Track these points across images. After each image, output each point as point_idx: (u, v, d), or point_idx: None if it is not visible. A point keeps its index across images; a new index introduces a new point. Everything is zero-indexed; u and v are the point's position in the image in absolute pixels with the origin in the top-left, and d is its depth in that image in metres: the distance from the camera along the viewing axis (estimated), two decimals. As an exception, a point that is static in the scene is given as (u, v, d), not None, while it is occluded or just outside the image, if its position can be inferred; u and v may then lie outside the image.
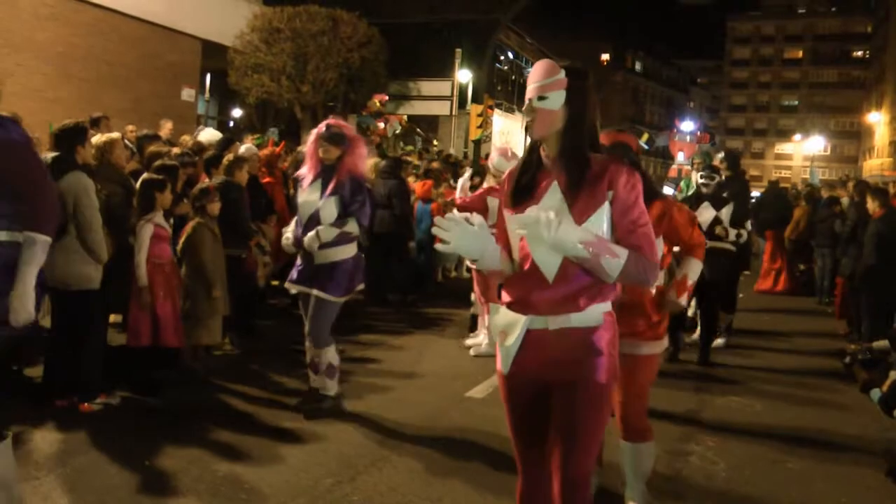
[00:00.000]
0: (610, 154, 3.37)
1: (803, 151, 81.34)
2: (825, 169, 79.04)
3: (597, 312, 3.10)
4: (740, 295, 14.06)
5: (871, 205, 9.50)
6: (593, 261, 2.94)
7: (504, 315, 3.22)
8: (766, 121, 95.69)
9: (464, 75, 31.43)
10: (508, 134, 38.91)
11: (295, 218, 6.32)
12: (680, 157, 19.15)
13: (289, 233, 6.27)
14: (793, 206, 16.04)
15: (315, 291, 6.04)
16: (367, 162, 6.64)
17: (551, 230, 2.86)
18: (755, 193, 28.05)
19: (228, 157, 8.39)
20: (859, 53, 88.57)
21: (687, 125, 25.95)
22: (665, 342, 4.67)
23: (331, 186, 5.97)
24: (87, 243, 5.87)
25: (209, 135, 11.96)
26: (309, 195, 6.06)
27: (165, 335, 6.64)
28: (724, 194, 9.09)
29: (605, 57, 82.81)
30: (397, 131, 19.11)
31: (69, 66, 17.43)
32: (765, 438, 6.38)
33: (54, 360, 6.15)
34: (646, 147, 32.20)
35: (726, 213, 8.83)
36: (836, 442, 6.44)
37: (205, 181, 8.03)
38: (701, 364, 8.77)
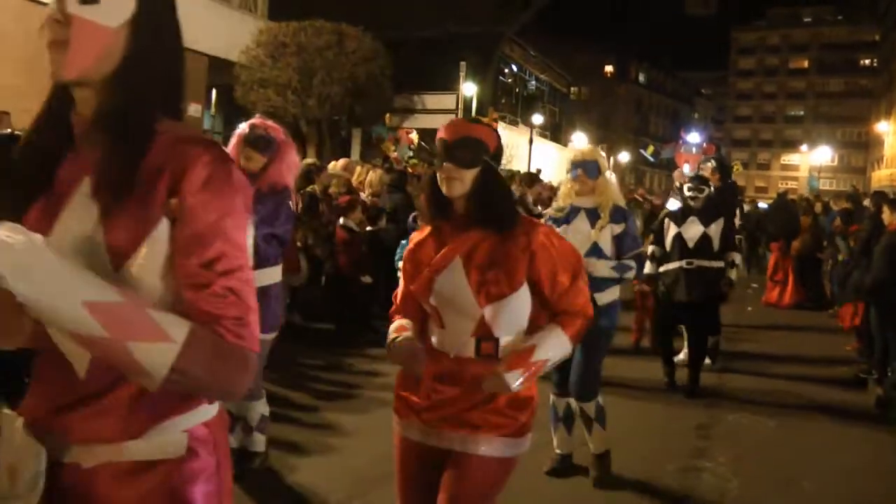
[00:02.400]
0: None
1: (810, 162, 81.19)
2: (832, 180, 78.89)
3: (175, 433, 1.66)
4: (748, 308, 14.05)
5: (889, 217, 9.22)
6: (112, 344, 1.43)
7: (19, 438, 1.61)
8: (772, 132, 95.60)
9: (468, 88, 31.51)
10: (512, 147, 38.90)
11: None
12: (685, 168, 19.03)
13: None
14: (799, 217, 15.90)
15: None
16: (296, 172, 5.42)
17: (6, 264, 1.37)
18: (761, 205, 28.10)
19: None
20: (867, 62, 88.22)
21: (693, 137, 25.94)
22: (527, 441, 3.02)
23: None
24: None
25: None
26: None
27: None
28: (716, 208, 8.15)
29: (609, 69, 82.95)
30: (410, 156, 19.05)
31: (77, 83, 17.50)
32: (778, 456, 6.32)
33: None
34: (651, 159, 32.16)
35: (716, 229, 7.95)
36: (851, 461, 6.38)
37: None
38: (689, 395, 7.95)
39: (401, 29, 29.71)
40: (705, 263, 7.88)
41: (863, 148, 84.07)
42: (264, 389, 5.18)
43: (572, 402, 5.48)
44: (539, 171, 25.16)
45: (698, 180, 8.24)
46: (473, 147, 2.92)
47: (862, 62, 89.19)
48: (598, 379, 5.47)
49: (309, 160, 11.85)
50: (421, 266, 3.02)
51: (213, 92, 26.08)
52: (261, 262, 4.85)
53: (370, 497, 4.98)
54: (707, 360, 8.89)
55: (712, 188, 8.44)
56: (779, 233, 15.58)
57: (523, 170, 25.61)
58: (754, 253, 21.24)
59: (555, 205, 5.71)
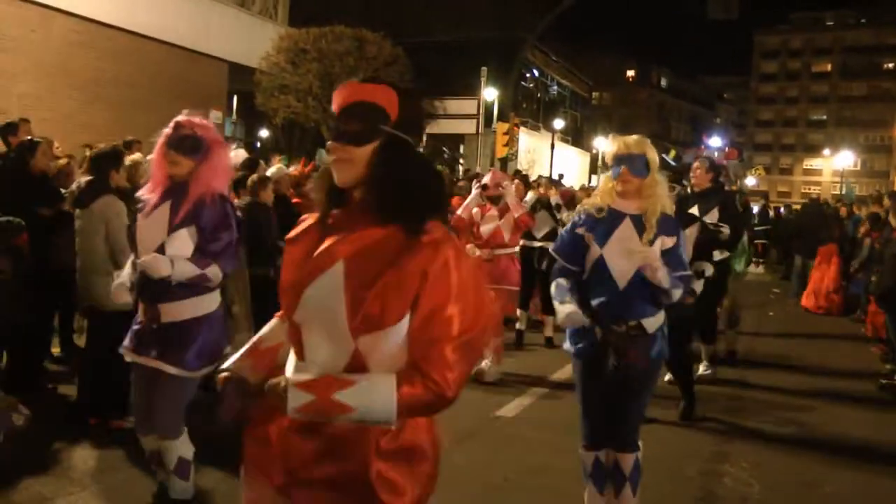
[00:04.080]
0: (356, 123, 2.14)
1: (833, 167, 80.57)
2: (855, 184, 78.22)
3: None
4: (770, 313, 13.93)
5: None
6: None
7: None
8: (795, 136, 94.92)
9: (489, 93, 31.52)
10: (534, 152, 38.95)
11: (131, 258, 4.41)
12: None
13: (124, 275, 4.37)
14: (828, 224, 15.71)
15: (161, 365, 4.24)
16: (230, 173, 4.75)
17: None
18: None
19: (253, 177, 8.44)
20: (890, 66, 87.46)
21: (714, 141, 25.60)
22: None
23: (181, 213, 4.21)
24: (120, 265, 5.93)
25: (240, 156, 12.02)
26: (151, 224, 4.24)
27: None
28: (693, 209, 7.15)
29: (631, 73, 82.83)
30: None
31: (99, 91, 17.68)
32: (799, 461, 6.28)
33: (88, 379, 6.23)
34: (672, 163, 32.10)
35: (688, 234, 6.47)
36: (873, 465, 6.33)
37: (232, 201, 8.11)
38: (683, 418, 7.08)
39: (421, 34, 29.79)
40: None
41: (886, 152, 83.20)
42: (185, 429, 4.40)
43: (602, 455, 4.53)
44: (561, 175, 25.17)
45: (672, 181, 6.98)
46: (363, 114, 2.19)
47: (885, 66, 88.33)
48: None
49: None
50: (296, 263, 2.30)
51: (234, 98, 26.23)
52: (198, 287, 4.28)
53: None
54: (705, 370, 8.62)
55: (689, 188, 7.34)
56: (809, 238, 15.41)
57: (545, 175, 25.52)
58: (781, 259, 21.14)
59: (589, 202, 4.58)
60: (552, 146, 38.28)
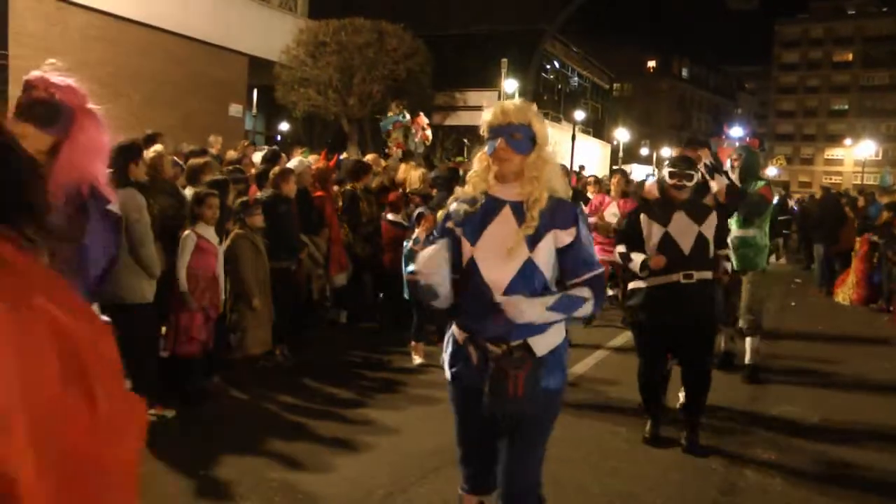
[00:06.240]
0: None
1: (854, 156, 79.95)
2: (876, 175, 77.64)
3: None
4: (792, 304, 13.84)
5: None
6: None
7: None
8: (816, 126, 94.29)
9: (510, 85, 31.45)
10: (555, 144, 38.73)
11: None
12: (728, 164, 18.69)
13: None
14: (845, 215, 15.63)
15: None
16: (104, 153, 3.32)
17: None
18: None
19: (275, 170, 8.48)
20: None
21: (736, 131, 25.42)
22: None
23: None
24: (140, 259, 5.94)
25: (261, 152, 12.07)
26: None
27: (190, 345, 6.70)
28: (704, 200, 6.33)
29: (652, 64, 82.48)
30: (419, 150, 18.50)
31: (119, 86, 17.74)
32: (822, 452, 6.23)
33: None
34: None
35: (710, 228, 5.88)
36: (897, 454, 6.29)
37: (255, 194, 8.20)
38: (689, 451, 5.98)
39: (441, 26, 29.78)
40: (706, 275, 5.86)
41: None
42: None
43: (492, 499, 3.43)
44: (582, 167, 25.09)
45: (685, 163, 5.96)
46: None
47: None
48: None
49: (353, 157, 11.86)
50: None
51: (255, 92, 26.30)
52: None
53: (411, 492, 5.00)
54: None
55: (701, 175, 6.53)
56: (828, 228, 15.32)
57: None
58: (801, 248, 21.04)
59: (459, 192, 3.51)
60: (573, 137, 38.16)
